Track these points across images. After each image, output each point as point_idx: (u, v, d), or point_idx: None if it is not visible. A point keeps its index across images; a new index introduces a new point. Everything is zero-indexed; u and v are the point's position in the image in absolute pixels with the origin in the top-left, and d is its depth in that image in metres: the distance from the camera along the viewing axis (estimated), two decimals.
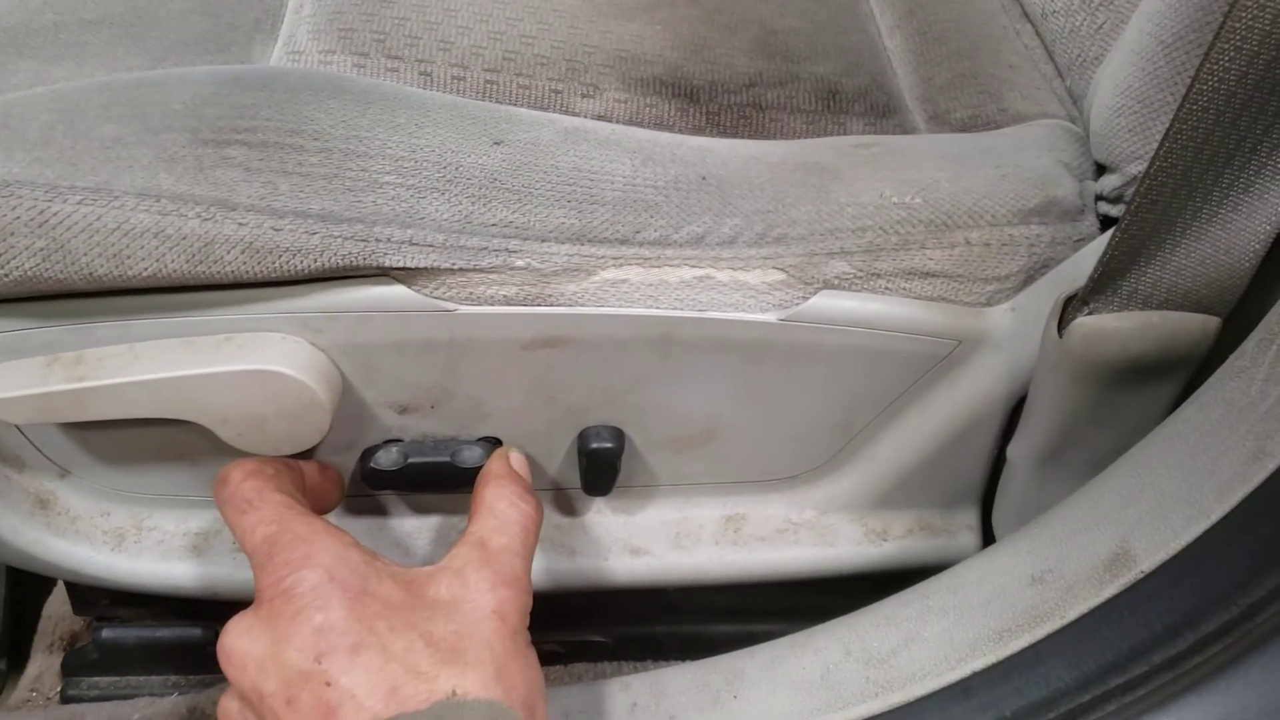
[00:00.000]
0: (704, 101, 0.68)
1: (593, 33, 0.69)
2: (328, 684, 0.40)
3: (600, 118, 0.66)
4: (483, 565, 0.46)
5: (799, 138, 0.67)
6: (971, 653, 0.50)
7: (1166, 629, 0.46)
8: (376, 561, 0.45)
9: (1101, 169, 0.60)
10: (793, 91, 0.69)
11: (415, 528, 0.67)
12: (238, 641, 0.43)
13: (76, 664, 0.79)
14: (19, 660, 0.84)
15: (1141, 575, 0.48)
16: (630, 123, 0.66)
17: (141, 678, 0.79)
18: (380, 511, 0.67)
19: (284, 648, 0.41)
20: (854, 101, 0.69)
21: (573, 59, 0.67)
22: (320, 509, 0.56)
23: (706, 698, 0.54)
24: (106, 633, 0.77)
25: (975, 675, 0.49)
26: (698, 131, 0.67)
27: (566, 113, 0.66)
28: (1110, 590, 0.48)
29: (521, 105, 0.65)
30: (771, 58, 0.71)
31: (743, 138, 0.67)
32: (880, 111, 0.69)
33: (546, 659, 0.79)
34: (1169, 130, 0.49)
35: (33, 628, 0.85)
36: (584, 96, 0.66)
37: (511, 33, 0.68)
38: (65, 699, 0.79)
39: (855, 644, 0.54)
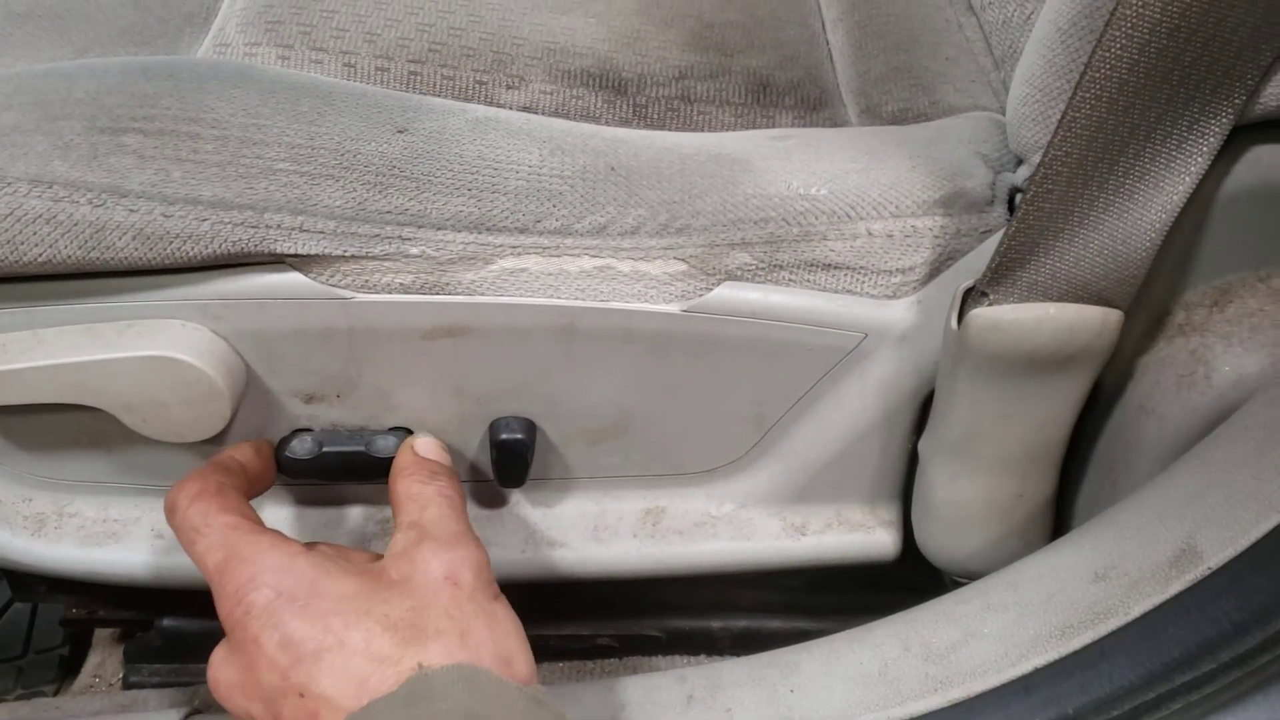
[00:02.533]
0: (632, 94, 0.68)
1: (524, 25, 0.70)
2: (301, 695, 0.41)
3: (525, 109, 0.66)
4: (421, 540, 0.47)
5: (727, 131, 0.67)
6: (1033, 649, 0.49)
7: (1234, 626, 0.46)
8: (325, 561, 0.45)
9: (1019, 161, 0.59)
10: (723, 84, 0.69)
11: (340, 516, 0.67)
12: (219, 673, 0.45)
13: (138, 652, 0.80)
14: (80, 648, 0.86)
15: (1209, 572, 0.47)
16: (556, 114, 0.66)
17: (201, 665, 0.79)
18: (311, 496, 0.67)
19: (256, 672, 0.42)
20: (785, 95, 0.69)
21: (500, 51, 0.67)
22: (263, 489, 0.57)
23: (763, 691, 0.53)
24: (168, 621, 0.79)
25: (1036, 672, 0.49)
26: (624, 124, 0.67)
27: (491, 104, 0.66)
28: (1176, 587, 0.47)
29: (445, 97, 0.65)
30: (705, 51, 0.71)
31: (670, 130, 0.66)
32: (811, 105, 0.69)
33: (600, 653, 0.82)
34: (1062, 118, 0.48)
35: None
36: (509, 88, 0.66)
37: (441, 25, 0.68)
38: (127, 685, 0.81)
39: (914, 639, 0.53)
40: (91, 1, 0.67)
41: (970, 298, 0.53)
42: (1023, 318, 0.52)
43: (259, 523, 0.49)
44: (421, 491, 0.51)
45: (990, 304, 0.52)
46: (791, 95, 0.69)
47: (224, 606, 0.44)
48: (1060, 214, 0.50)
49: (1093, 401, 0.58)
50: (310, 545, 0.49)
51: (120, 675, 0.83)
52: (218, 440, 0.59)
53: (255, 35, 0.65)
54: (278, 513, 0.66)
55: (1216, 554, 0.47)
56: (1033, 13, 0.64)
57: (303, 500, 0.66)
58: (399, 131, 0.56)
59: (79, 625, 0.82)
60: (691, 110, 0.68)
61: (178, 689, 0.72)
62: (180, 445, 0.59)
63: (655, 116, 0.67)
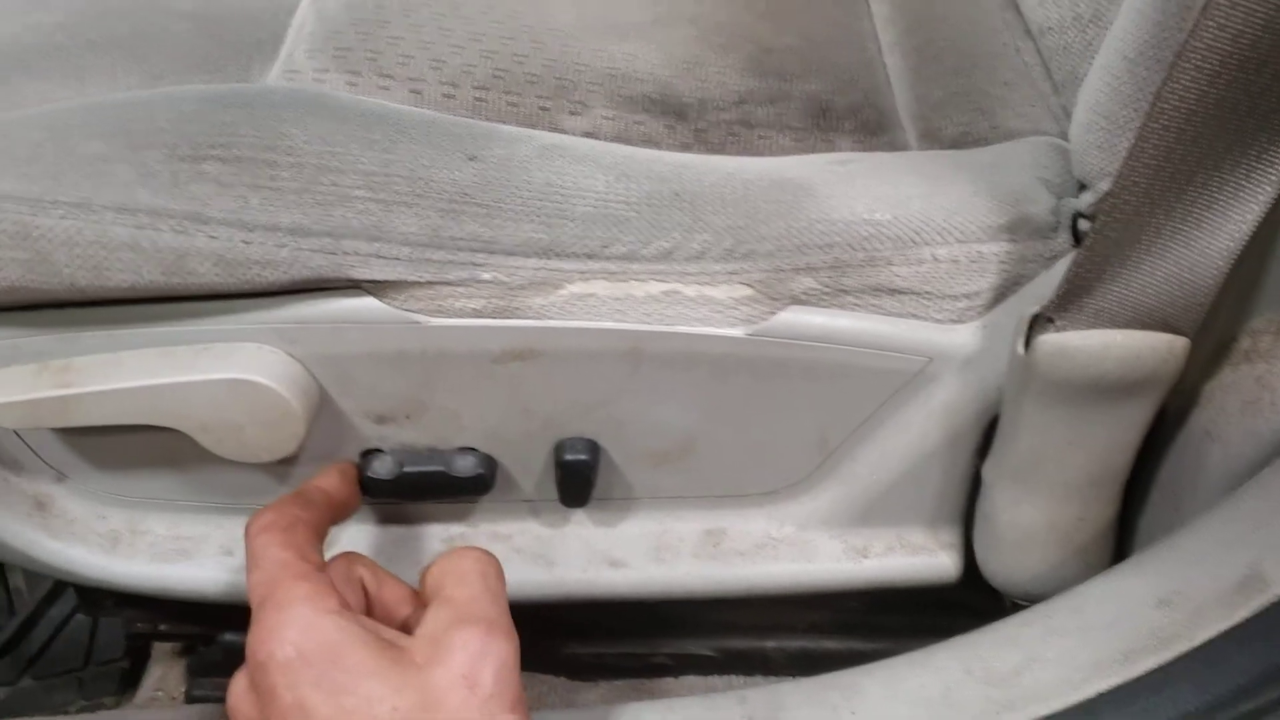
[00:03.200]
0: (692, 119, 0.69)
1: (585, 51, 0.70)
2: None
3: (588, 135, 0.67)
4: (451, 624, 0.44)
5: (787, 155, 0.68)
6: (1095, 674, 0.49)
7: None
8: (352, 627, 0.44)
9: (1082, 186, 0.60)
10: (783, 109, 0.69)
11: (408, 534, 0.68)
12: (237, 704, 0.45)
13: (201, 665, 0.82)
14: (140, 661, 0.87)
15: (1276, 599, 0.47)
16: (618, 140, 0.67)
17: None
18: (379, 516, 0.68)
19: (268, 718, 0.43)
20: (844, 119, 0.69)
21: (562, 77, 0.68)
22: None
23: (825, 713, 0.53)
24: (230, 636, 0.79)
25: (1100, 696, 0.48)
26: (685, 149, 0.68)
27: (554, 130, 0.66)
28: (1242, 614, 0.47)
29: (510, 123, 0.66)
30: (764, 76, 0.71)
31: (731, 155, 0.67)
32: (871, 129, 0.69)
33: (655, 671, 0.82)
34: (1133, 148, 0.48)
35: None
36: (571, 114, 0.67)
37: (504, 51, 0.69)
38: (190, 699, 0.82)
39: (976, 663, 0.53)
40: (165, 30, 0.69)
41: (1037, 324, 0.53)
42: (1090, 344, 0.52)
43: (315, 564, 0.47)
44: (457, 565, 0.48)
45: (1057, 330, 0.53)
46: (851, 119, 0.69)
47: (250, 644, 0.44)
48: (1128, 241, 0.50)
49: (1157, 426, 0.58)
50: (346, 603, 0.46)
51: (183, 689, 0.84)
52: (290, 461, 0.61)
53: (323, 61, 0.67)
54: (343, 532, 0.67)
55: None
56: (1094, 39, 0.64)
57: (368, 519, 0.67)
58: (469, 159, 0.57)
59: (143, 639, 0.84)
60: (752, 135, 0.68)
61: None
62: (252, 465, 0.61)
63: (715, 141, 0.68)
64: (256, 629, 0.44)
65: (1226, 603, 0.48)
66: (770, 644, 0.81)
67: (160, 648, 0.88)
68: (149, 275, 0.52)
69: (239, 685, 0.45)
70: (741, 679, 0.83)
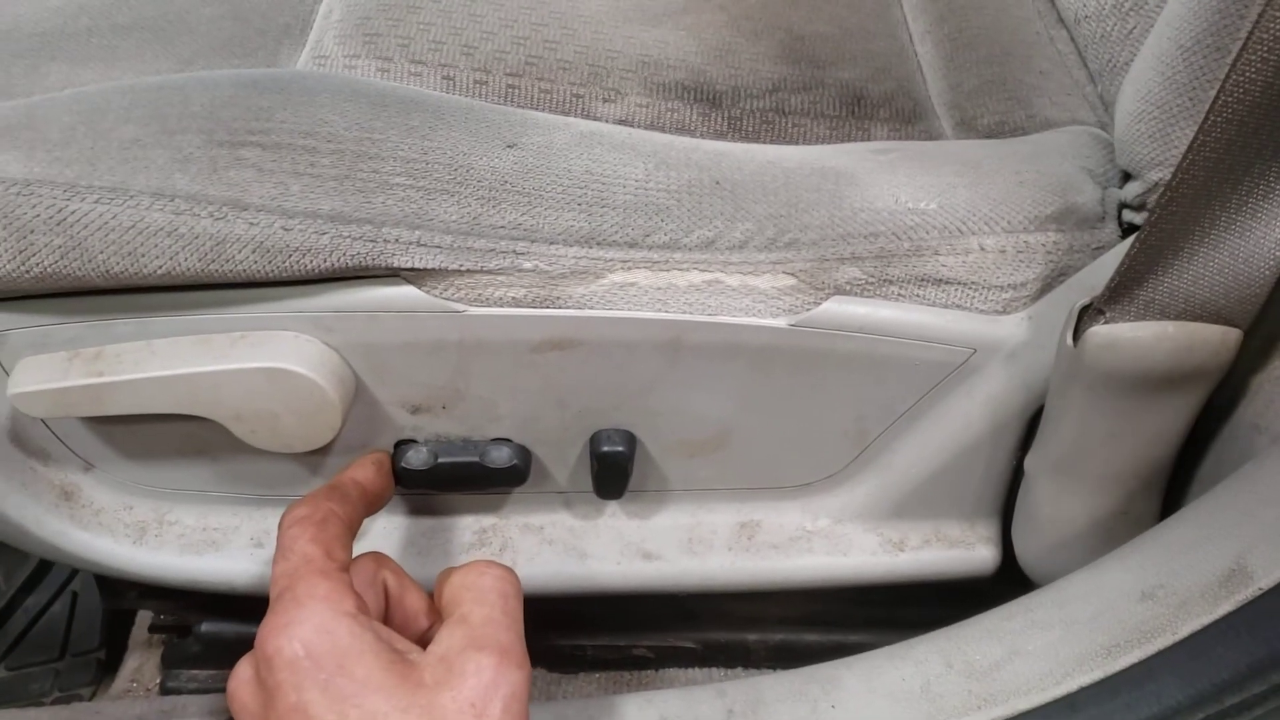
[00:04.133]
0: (726, 106, 0.68)
1: (617, 38, 0.70)
2: None
3: (622, 122, 0.66)
4: (466, 645, 0.43)
5: (822, 143, 0.67)
6: (1078, 668, 0.49)
7: None
8: (366, 635, 0.43)
9: (1126, 176, 0.59)
10: (817, 97, 0.69)
11: (439, 525, 0.68)
12: (238, 690, 0.44)
13: (176, 657, 0.81)
14: (117, 652, 0.86)
15: (1260, 592, 0.46)
16: (651, 127, 0.66)
17: None
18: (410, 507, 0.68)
19: (269, 716, 0.42)
20: (879, 107, 0.69)
21: (595, 64, 0.68)
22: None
23: (804, 706, 0.53)
24: (206, 626, 0.79)
25: (1082, 690, 0.48)
26: (719, 136, 0.67)
27: (588, 117, 0.66)
28: (1226, 607, 0.47)
29: (543, 110, 0.65)
30: (797, 63, 0.71)
31: (765, 143, 0.66)
32: (906, 117, 0.69)
33: (636, 663, 0.82)
34: (1195, 139, 0.47)
35: (131, 620, 0.87)
36: (605, 101, 0.67)
37: (535, 38, 0.68)
38: (165, 690, 0.81)
39: (956, 656, 0.53)
40: (192, 13, 0.68)
41: (1086, 315, 0.53)
42: (1141, 336, 0.51)
43: (339, 563, 0.46)
44: (477, 582, 0.47)
45: (1106, 321, 0.52)
46: (886, 108, 0.69)
47: (261, 634, 0.43)
48: (1183, 233, 0.49)
49: (1202, 419, 0.57)
50: (365, 606, 0.45)
51: (158, 680, 0.83)
52: (323, 451, 0.60)
53: (354, 48, 0.66)
54: (374, 523, 0.66)
55: (1268, 574, 0.46)
56: (1135, 27, 0.64)
57: (398, 510, 0.67)
58: (508, 146, 0.56)
59: (168, 632, 0.83)
60: (786, 123, 0.68)
61: (217, 695, 0.72)
62: (283, 455, 0.60)
63: (750, 129, 0.67)
64: (271, 620, 0.43)
65: (1210, 596, 0.48)
66: (752, 637, 0.81)
67: (136, 639, 0.87)
68: (186, 262, 0.51)
69: (244, 673, 0.44)
70: (722, 672, 0.82)
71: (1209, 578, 0.48)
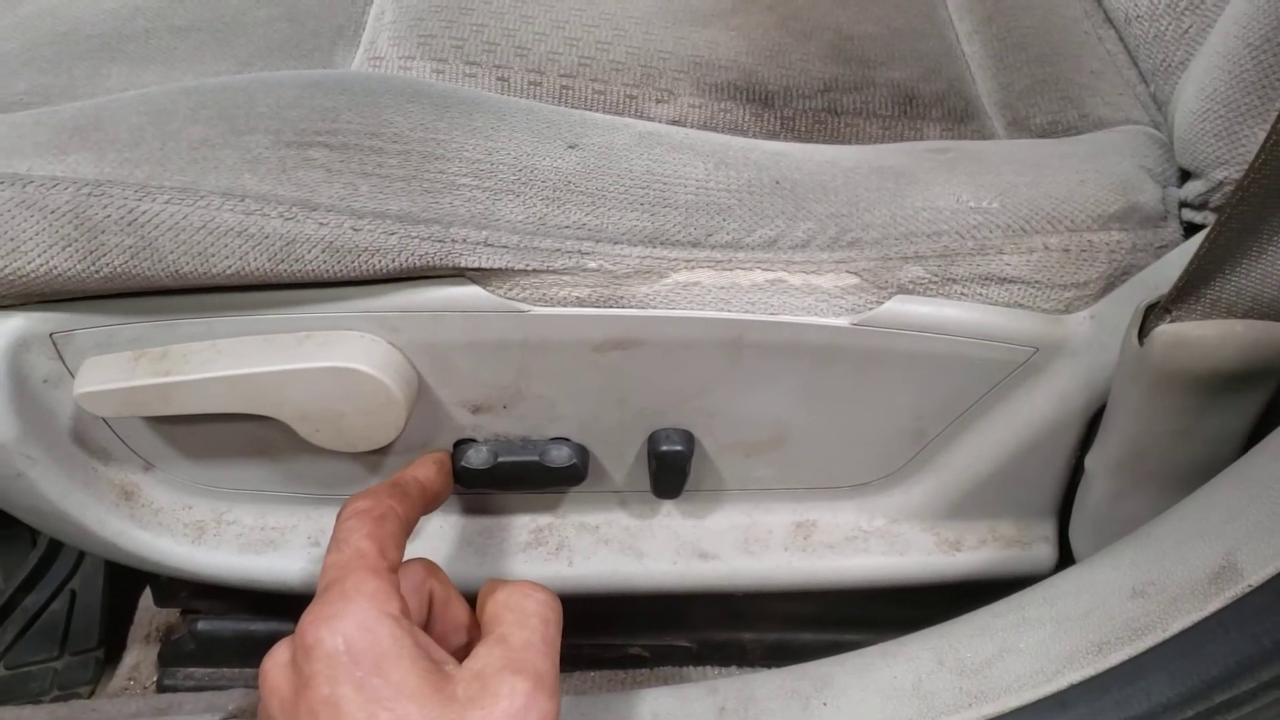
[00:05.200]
0: (779, 106, 0.68)
1: (667, 39, 0.70)
2: None
3: (674, 122, 0.66)
4: (503, 666, 0.43)
5: (875, 143, 0.67)
6: (1069, 665, 0.49)
7: (1275, 645, 0.45)
8: (406, 640, 0.43)
9: (1185, 175, 0.59)
10: (869, 97, 0.69)
11: (495, 524, 0.68)
12: (272, 672, 0.44)
13: (173, 655, 0.81)
14: (115, 650, 0.86)
15: (1249, 589, 0.46)
16: (704, 127, 0.67)
17: (236, 669, 0.81)
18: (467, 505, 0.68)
19: (299, 704, 0.41)
20: (931, 107, 0.69)
21: (647, 64, 0.68)
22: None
23: (796, 704, 0.53)
24: (203, 625, 0.79)
25: (1073, 688, 0.48)
26: (772, 136, 0.67)
27: (641, 118, 0.66)
28: (1215, 604, 0.46)
29: (597, 110, 0.66)
30: (847, 63, 0.71)
31: (818, 143, 0.66)
32: (958, 117, 0.69)
33: (631, 662, 0.81)
34: (1269, 136, 0.47)
35: (129, 619, 0.88)
36: (658, 101, 0.67)
37: (588, 39, 0.68)
38: (161, 688, 0.82)
39: (948, 653, 0.53)
40: (247, 15, 0.68)
41: (1152, 314, 0.53)
42: (1209, 334, 0.51)
43: (391, 563, 0.47)
44: (520, 604, 0.46)
45: (1173, 320, 0.52)
46: (938, 107, 0.69)
47: (304, 623, 0.43)
48: (1254, 231, 0.49)
49: (1266, 417, 0.57)
50: (409, 611, 0.45)
51: (155, 678, 0.83)
52: (383, 451, 0.60)
53: (408, 49, 0.66)
54: (430, 521, 0.66)
55: (1257, 571, 0.46)
56: (1190, 27, 0.63)
57: (454, 509, 0.67)
58: (570, 147, 0.56)
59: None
60: (838, 122, 0.68)
61: (213, 693, 0.73)
62: (343, 455, 0.60)
63: (803, 129, 0.67)
64: (315, 609, 0.43)
65: (1200, 593, 0.48)
66: (747, 635, 0.81)
67: (134, 637, 0.88)
68: (255, 262, 0.52)
69: (280, 656, 0.44)
70: (717, 670, 0.82)
71: (1199, 575, 0.48)
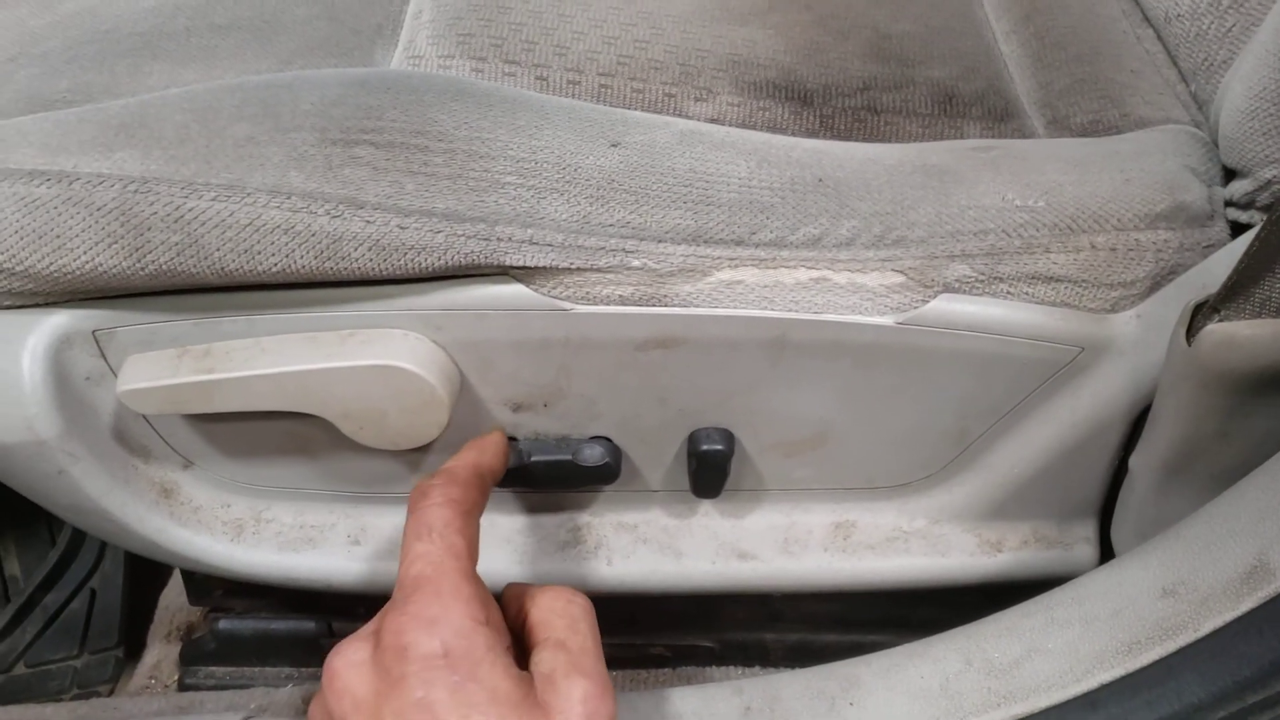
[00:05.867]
0: (818, 105, 0.68)
1: (705, 37, 0.70)
2: None
3: (713, 121, 0.66)
4: (570, 670, 0.44)
5: (915, 141, 0.67)
6: (1098, 665, 0.48)
7: None
8: (498, 647, 0.43)
9: (1230, 174, 0.59)
10: (908, 95, 0.68)
11: (532, 523, 0.68)
12: (345, 672, 0.43)
13: (194, 654, 0.82)
14: (135, 649, 0.87)
15: None
16: (743, 126, 0.66)
17: (257, 668, 0.81)
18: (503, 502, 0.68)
19: (383, 705, 0.41)
20: (971, 105, 0.68)
21: (686, 63, 0.68)
22: (496, 482, 0.56)
23: (822, 704, 0.53)
24: (224, 624, 0.80)
25: (1102, 688, 0.48)
26: (811, 135, 0.67)
27: (680, 116, 0.66)
28: (1247, 604, 0.46)
29: (636, 109, 0.65)
30: (886, 62, 0.70)
31: (857, 141, 0.66)
32: (998, 116, 0.68)
33: (653, 662, 0.81)
34: None
35: (149, 617, 0.88)
36: (697, 100, 0.67)
37: (625, 38, 0.68)
38: (183, 687, 0.82)
39: (976, 654, 0.53)
40: (286, 13, 0.68)
41: (1200, 313, 0.52)
42: (1259, 334, 0.51)
43: (473, 560, 0.47)
44: (567, 609, 0.47)
45: (1222, 319, 0.52)
46: (978, 106, 0.68)
47: (395, 619, 0.43)
48: None
49: None
50: (495, 619, 0.46)
51: (176, 676, 0.83)
52: (424, 449, 0.60)
53: (448, 48, 0.66)
54: None
55: None
56: (1233, 25, 0.63)
57: (493, 507, 0.67)
58: (612, 145, 0.56)
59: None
60: (878, 121, 0.67)
61: (235, 691, 0.73)
62: (383, 453, 0.60)
63: (842, 127, 0.67)
64: (407, 608, 0.43)
65: (1232, 593, 0.47)
66: (769, 636, 0.81)
67: (154, 636, 0.88)
68: (301, 260, 0.52)
69: (354, 655, 0.43)
70: (739, 670, 0.82)
71: (1230, 574, 0.48)
